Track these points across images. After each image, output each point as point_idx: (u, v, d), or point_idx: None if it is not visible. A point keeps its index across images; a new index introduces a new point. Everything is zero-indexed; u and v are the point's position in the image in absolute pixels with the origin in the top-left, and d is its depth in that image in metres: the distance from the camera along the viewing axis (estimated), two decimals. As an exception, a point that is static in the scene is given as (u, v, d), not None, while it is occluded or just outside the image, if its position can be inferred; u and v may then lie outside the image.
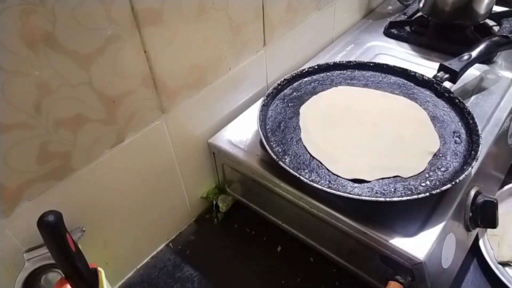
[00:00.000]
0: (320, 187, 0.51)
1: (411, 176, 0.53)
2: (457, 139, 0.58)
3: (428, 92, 0.67)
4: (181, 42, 0.53)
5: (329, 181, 0.53)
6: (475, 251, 0.62)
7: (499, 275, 0.58)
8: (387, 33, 0.89)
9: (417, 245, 0.48)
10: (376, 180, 0.53)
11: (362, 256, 0.55)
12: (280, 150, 0.58)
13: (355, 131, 0.60)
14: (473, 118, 0.59)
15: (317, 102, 0.66)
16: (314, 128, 0.61)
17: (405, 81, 0.70)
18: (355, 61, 0.73)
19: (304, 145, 0.58)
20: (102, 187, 0.52)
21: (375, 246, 0.50)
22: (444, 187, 0.49)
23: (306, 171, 0.55)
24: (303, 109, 0.64)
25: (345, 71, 0.72)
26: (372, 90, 0.68)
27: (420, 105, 0.64)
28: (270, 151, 0.55)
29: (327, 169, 0.55)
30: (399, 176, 0.53)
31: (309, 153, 0.57)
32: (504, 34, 0.74)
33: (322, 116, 0.63)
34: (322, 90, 0.68)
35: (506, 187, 0.70)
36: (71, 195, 0.49)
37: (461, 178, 0.50)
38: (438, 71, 0.68)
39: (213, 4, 0.55)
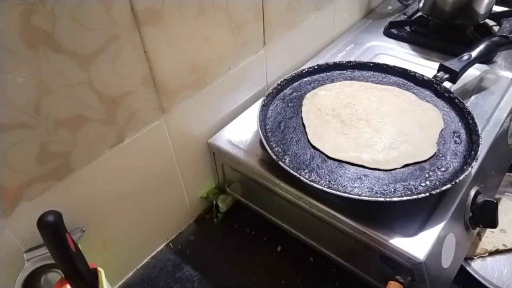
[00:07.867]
0: (320, 187, 0.51)
1: (422, 161, 0.54)
2: (457, 139, 0.58)
3: (428, 92, 0.67)
4: (181, 42, 0.53)
5: (329, 181, 0.53)
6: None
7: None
8: (387, 33, 0.89)
9: (417, 245, 0.48)
10: (375, 179, 0.53)
11: (362, 256, 0.55)
12: (280, 150, 0.58)
13: (359, 126, 0.61)
14: (473, 118, 0.59)
15: (323, 94, 0.67)
16: (316, 121, 0.62)
17: (405, 81, 0.69)
18: (355, 61, 0.73)
19: (305, 131, 0.60)
20: (102, 187, 0.52)
21: (375, 246, 0.50)
22: (444, 187, 0.49)
23: (306, 171, 0.55)
24: (307, 100, 0.66)
25: (345, 71, 0.72)
26: (375, 85, 0.69)
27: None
28: (270, 151, 0.55)
29: (327, 155, 0.56)
30: (406, 166, 0.54)
31: (309, 142, 0.58)
32: (504, 34, 0.74)
33: (325, 110, 0.64)
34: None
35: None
36: (71, 195, 0.49)
37: (461, 178, 0.50)
38: (438, 71, 0.68)
39: (213, 4, 0.55)
